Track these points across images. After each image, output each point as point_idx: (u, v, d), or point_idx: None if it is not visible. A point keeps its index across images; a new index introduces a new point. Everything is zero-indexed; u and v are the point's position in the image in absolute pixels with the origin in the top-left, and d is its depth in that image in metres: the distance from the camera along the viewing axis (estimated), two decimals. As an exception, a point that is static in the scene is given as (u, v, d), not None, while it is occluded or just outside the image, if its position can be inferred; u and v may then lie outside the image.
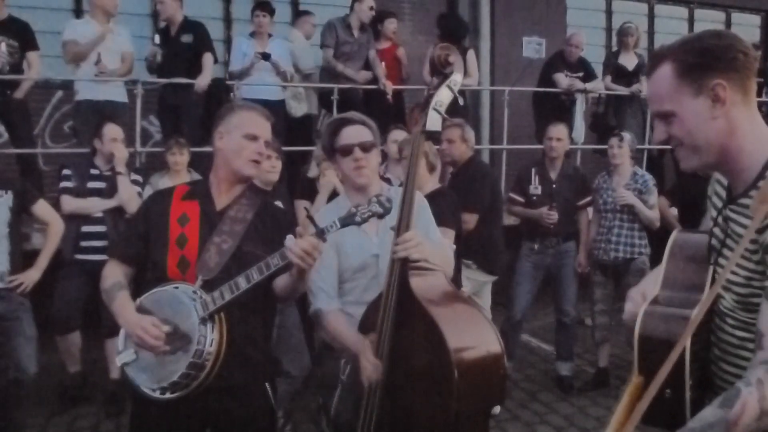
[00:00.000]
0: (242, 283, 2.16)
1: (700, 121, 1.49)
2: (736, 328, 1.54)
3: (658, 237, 4.79)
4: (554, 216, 4.82)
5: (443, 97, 2.16)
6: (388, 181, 3.80)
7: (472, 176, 4.54)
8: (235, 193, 2.42)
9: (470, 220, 4.41)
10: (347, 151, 2.48)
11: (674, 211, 5.09)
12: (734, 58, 1.46)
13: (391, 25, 6.51)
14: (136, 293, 2.35)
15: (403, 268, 2.08)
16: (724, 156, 1.52)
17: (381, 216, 2.11)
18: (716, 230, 1.61)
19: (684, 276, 1.64)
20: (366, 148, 2.48)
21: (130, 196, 4.41)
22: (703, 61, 1.47)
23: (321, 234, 2.07)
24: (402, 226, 2.13)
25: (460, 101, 2.30)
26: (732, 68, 1.46)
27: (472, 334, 2.00)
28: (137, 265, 2.43)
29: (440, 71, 2.17)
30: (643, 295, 1.71)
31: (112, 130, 4.48)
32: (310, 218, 2.09)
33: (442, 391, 1.91)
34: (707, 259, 1.63)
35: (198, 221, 2.35)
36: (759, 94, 7.70)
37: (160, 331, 2.16)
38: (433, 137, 2.18)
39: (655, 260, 4.73)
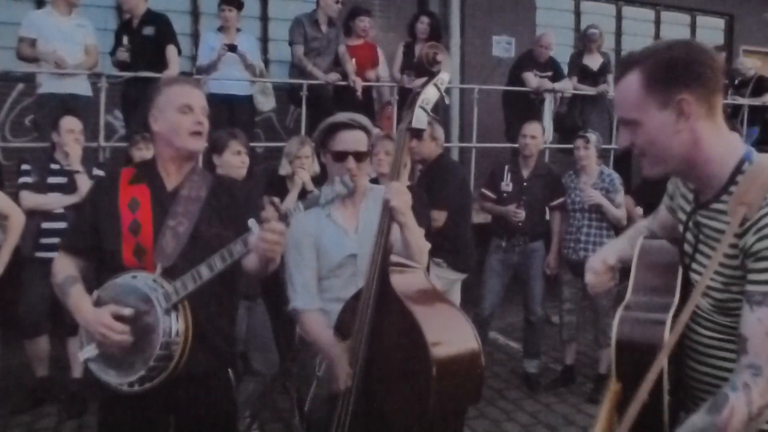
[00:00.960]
0: (205, 272, 2.10)
1: (664, 133, 1.50)
2: (711, 331, 1.56)
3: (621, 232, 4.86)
4: (521, 214, 4.85)
5: (430, 95, 2.15)
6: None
7: (441, 174, 4.54)
8: (184, 172, 2.34)
9: (439, 217, 4.40)
10: (341, 157, 2.45)
11: (640, 211, 5.15)
12: (702, 73, 1.47)
13: (361, 23, 6.47)
14: (97, 286, 2.26)
15: (383, 264, 2.07)
16: (689, 166, 1.54)
17: (344, 197, 2.09)
18: (688, 235, 1.63)
19: (654, 281, 1.66)
20: (360, 157, 2.47)
21: (90, 192, 4.30)
22: (671, 74, 1.47)
23: (284, 218, 2.04)
24: (382, 237, 2.11)
25: (447, 100, 2.30)
26: (699, 83, 1.47)
27: (451, 332, 2.00)
28: (89, 257, 2.34)
29: (428, 69, 2.15)
30: (603, 262, 1.72)
31: (68, 123, 4.36)
32: (272, 203, 2.06)
33: (420, 388, 1.90)
34: (676, 264, 1.65)
35: (149, 205, 2.27)
36: (725, 97, 7.85)
37: (121, 326, 2.09)
38: (417, 135, 2.17)
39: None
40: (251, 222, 2.03)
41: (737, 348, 1.43)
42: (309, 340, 2.43)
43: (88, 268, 2.36)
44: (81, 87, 5.44)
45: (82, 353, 2.21)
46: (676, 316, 1.54)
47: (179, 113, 2.24)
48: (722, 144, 1.52)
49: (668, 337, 1.46)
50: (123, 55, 5.61)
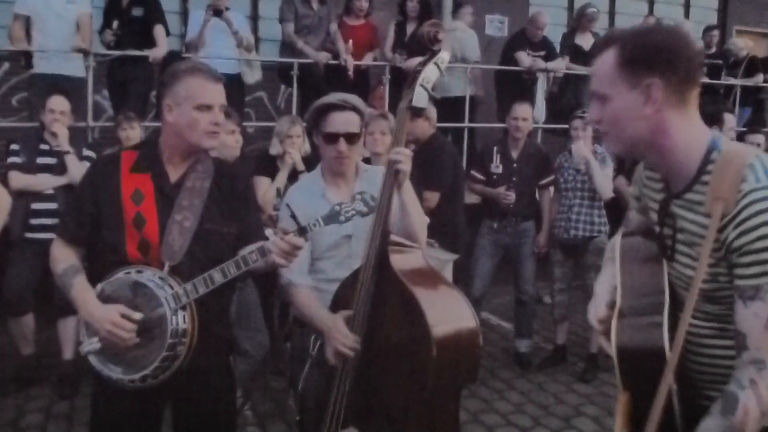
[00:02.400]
0: (218, 277, 2.08)
1: (628, 114, 1.50)
2: (704, 321, 1.55)
3: (616, 215, 4.87)
4: (511, 196, 4.84)
5: (430, 74, 2.13)
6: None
7: (434, 154, 4.52)
8: (188, 163, 2.27)
9: (432, 198, 4.39)
10: (332, 139, 2.43)
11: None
12: (676, 61, 1.45)
13: (358, 1, 6.37)
14: (90, 275, 2.21)
15: (382, 243, 2.06)
16: (652, 152, 1.53)
17: (364, 215, 2.07)
18: (665, 228, 1.62)
19: (641, 280, 1.65)
20: (351, 139, 2.45)
21: (80, 174, 4.25)
22: (645, 57, 1.46)
23: (303, 232, 2.03)
24: (383, 203, 2.11)
25: (446, 79, 2.30)
26: (672, 71, 1.45)
27: (450, 312, 2.00)
28: (87, 246, 2.28)
29: (428, 48, 2.13)
30: (595, 317, 1.71)
31: (55, 103, 4.31)
32: (293, 216, 2.04)
33: (419, 368, 1.91)
34: (659, 258, 1.64)
35: (153, 198, 2.20)
36: (717, 77, 7.84)
37: (131, 324, 2.06)
38: (418, 113, 2.15)
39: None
40: (269, 232, 2.03)
41: (736, 344, 1.43)
42: (301, 314, 2.42)
43: (84, 254, 2.30)
44: (75, 68, 5.36)
45: (83, 347, 2.16)
46: (670, 312, 1.54)
47: (198, 111, 2.16)
48: (689, 132, 1.51)
49: (671, 352, 1.45)
50: (109, 38, 5.54)
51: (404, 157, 2.12)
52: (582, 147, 4.79)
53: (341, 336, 2.10)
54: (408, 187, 2.21)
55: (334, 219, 2.05)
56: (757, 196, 1.38)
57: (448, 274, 4.69)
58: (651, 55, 1.45)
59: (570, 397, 4.51)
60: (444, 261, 4.62)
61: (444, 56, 2.13)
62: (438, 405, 1.96)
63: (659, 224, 1.63)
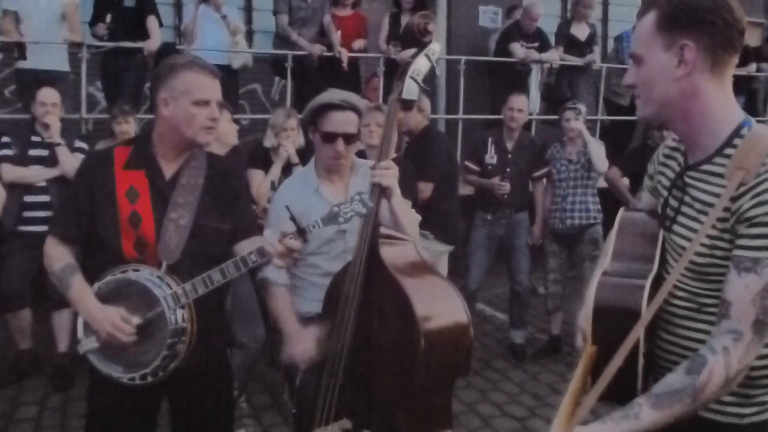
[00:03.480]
0: (217, 278, 2.08)
1: (661, 76, 1.48)
2: (684, 300, 1.55)
3: (610, 205, 4.89)
4: (506, 187, 4.85)
5: (421, 66, 2.11)
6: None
7: (428, 145, 4.51)
8: (182, 159, 2.25)
9: (426, 189, 4.39)
10: (330, 138, 2.43)
11: (626, 181, 5.17)
12: (712, 22, 1.43)
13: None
14: (86, 273, 2.19)
15: (373, 236, 2.06)
16: (682, 117, 1.51)
17: (364, 216, 2.07)
18: (671, 198, 1.61)
19: (633, 248, 1.66)
20: (349, 139, 2.45)
21: (72, 165, 4.23)
22: (681, 16, 1.45)
23: (302, 234, 2.03)
24: (375, 197, 2.10)
25: (437, 71, 2.29)
26: (706, 33, 1.44)
27: (440, 305, 2.00)
28: (82, 244, 2.26)
29: (419, 39, 2.12)
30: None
31: (45, 95, 4.29)
32: (293, 218, 2.04)
33: (408, 361, 1.90)
34: (656, 234, 1.64)
35: (149, 196, 2.19)
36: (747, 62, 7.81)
37: (131, 327, 2.06)
38: (408, 106, 2.14)
39: (606, 229, 4.82)
40: (268, 232, 2.04)
41: (718, 312, 1.43)
42: (270, 312, 2.44)
43: (79, 253, 2.28)
44: (59, 62, 5.33)
45: (82, 346, 2.17)
46: (654, 283, 1.54)
47: (195, 106, 2.14)
48: (722, 103, 1.49)
49: (647, 306, 1.46)
50: (102, 31, 5.52)
51: (385, 174, 2.10)
52: (577, 122, 4.84)
53: (291, 347, 2.21)
54: (396, 195, 2.20)
55: (333, 220, 2.04)
56: None
57: (443, 265, 4.70)
58: (688, 16, 1.44)
59: (564, 387, 4.52)
60: (439, 253, 4.63)
61: (435, 47, 2.12)
62: (430, 397, 1.96)
63: (667, 193, 1.63)
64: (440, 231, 4.54)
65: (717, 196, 1.46)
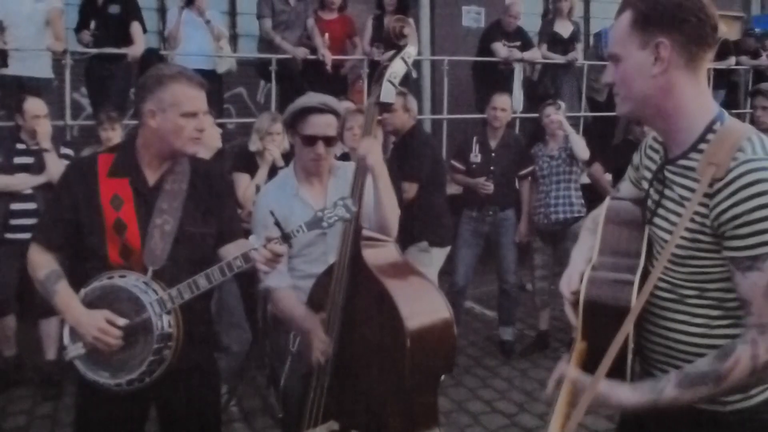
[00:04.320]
0: (203, 283, 2.09)
1: (638, 74, 1.52)
2: (664, 291, 1.58)
3: (592, 200, 4.94)
4: (489, 186, 4.89)
5: (397, 69, 2.15)
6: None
7: (414, 146, 4.54)
8: (166, 166, 2.27)
9: (411, 189, 4.41)
10: (310, 141, 2.46)
11: (609, 177, 5.22)
12: (685, 20, 1.46)
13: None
14: (71, 280, 2.20)
15: (355, 238, 2.08)
16: (658, 113, 1.55)
17: (347, 221, 2.09)
18: (652, 191, 1.65)
19: (620, 241, 1.67)
20: (329, 142, 2.48)
21: (60, 172, 4.23)
22: (655, 15, 1.48)
23: (287, 239, 2.04)
24: (356, 197, 2.14)
25: (413, 74, 2.32)
26: (680, 31, 1.47)
27: (423, 304, 2.03)
28: (69, 252, 2.26)
29: (394, 43, 2.15)
30: (568, 288, 1.70)
31: (34, 106, 4.27)
32: (277, 224, 2.06)
33: (395, 360, 1.93)
34: (642, 224, 1.66)
35: (133, 203, 2.20)
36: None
37: (118, 331, 2.07)
38: (386, 108, 2.17)
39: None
40: (252, 238, 2.05)
41: (742, 308, 1.46)
42: (283, 317, 2.44)
43: (64, 260, 2.29)
44: (42, 69, 5.30)
45: (68, 352, 2.17)
46: (642, 277, 1.56)
47: (183, 118, 2.15)
48: (697, 99, 1.53)
49: (636, 301, 1.49)
50: (87, 38, 5.51)
51: (371, 150, 2.14)
52: (558, 114, 4.91)
53: (319, 340, 2.14)
54: (384, 177, 2.23)
55: (317, 225, 2.06)
56: (754, 166, 1.40)
57: (437, 266, 4.72)
58: (662, 14, 1.47)
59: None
60: (439, 257, 4.67)
61: (411, 51, 2.15)
62: (416, 395, 1.99)
63: (648, 186, 1.66)
64: (432, 233, 4.57)
65: (693, 191, 1.49)
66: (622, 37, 1.53)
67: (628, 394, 1.47)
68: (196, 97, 2.19)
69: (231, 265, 2.08)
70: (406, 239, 4.34)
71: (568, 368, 1.52)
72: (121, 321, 2.08)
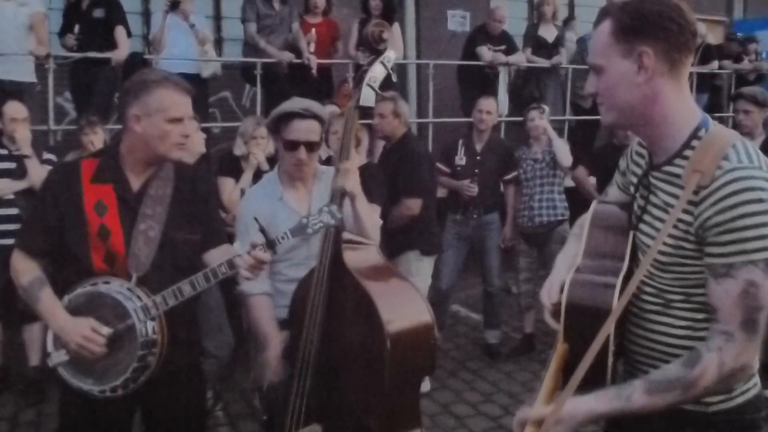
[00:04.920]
0: (187, 290, 2.09)
1: (622, 83, 1.52)
2: (649, 295, 1.59)
3: (576, 203, 4.97)
4: (474, 189, 4.90)
5: (377, 73, 2.17)
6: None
7: (410, 157, 4.45)
8: (150, 171, 2.26)
9: (414, 205, 4.32)
10: (293, 146, 2.46)
11: (593, 180, 5.26)
12: (666, 28, 1.47)
13: (315, -1, 6.38)
14: (55, 286, 2.20)
15: (336, 241, 2.09)
16: (644, 121, 1.56)
17: (332, 227, 2.10)
18: (638, 196, 1.66)
19: (605, 245, 1.67)
20: (312, 147, 2.49)
21: (41, 178, 4.19)
22: (636, 24, 1.48)
23: (271, 246, 2.04)
24: (336, 200, 2.14)
25: (394, 78, 2.34)
26: (662, 38, 1.48)
27: (403, 306, 2.04)
28: (53, 259, 2.26)
29: (374, 47, 2.17)
30: (548, 293, 1.71)
31: (12, 109, 4.24)
32: (262, 230, 2.06)
33: (375, 362, 1.94)
34: (627, 228, 1.68)
35: (117, 209, 2.19)
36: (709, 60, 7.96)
37: (102, 338, 2.06)
38: (366, 113, 2.19)
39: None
40: (237, 244, 2.06)
41: (710, 315, 1.47)
42: (251, 325, 2.46)
43: (47, 266, 2.28)
44: (24, 73, 5.27)
45: (52, 359, 2.16)
46: (625, 280, 1.57)
47: (169, 123, 2.15)
48: (681, 106, 1.54)
49: (617, 303, 1.50)
50: (71, 42, 5.48)
51: (348, 178, 2.16)
52: (541, 120, 4.94)
53: (273, 361, 2.20)
54: (360, 200, 2.24)
55: (302, 231, 2.06)
56: (739, 175, 1.40)
57: (429, 274, 4.72)
58: (643, 23, 1.48)
59: (538, 385, 4.57)
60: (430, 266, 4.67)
61: (390, 55, 2.18)
62: (398, 397, 2.00)
63: (634, 192, 1.67)
64: (424, 242, 4.54)
65: (678, 197, 1.50)
66: (604, 48, 1.53)
67: (595, 405, 1.46)
68: (182, 103, 2.18)
69: (216, 271, 2.07)
70: (397, 248, 4.36)
71: (527, 411, 1.52)
72: (106, 330, 2.07)
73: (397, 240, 4.27)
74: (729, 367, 1.41)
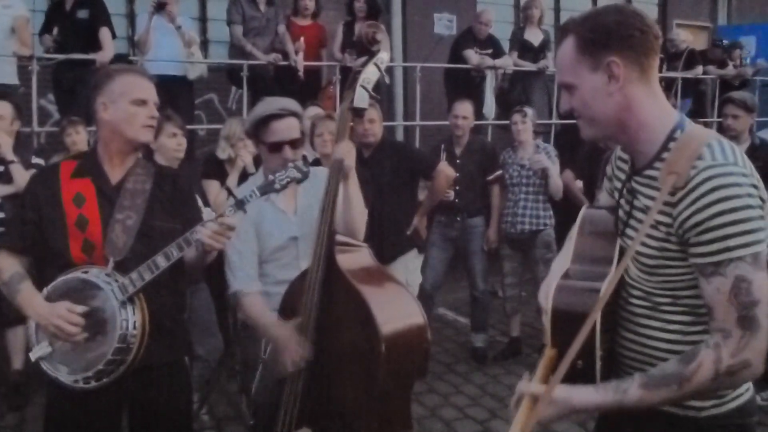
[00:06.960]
0: (161, 261, 2.09)
1: (596, 96, 1.53)
2: (640, 299, 1.60)
3: (561, 209, 4.99)
4: (449, 194, 4.88)
5: (370, 74, 2.18)
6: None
7: (402, 147, 4.57)
8: (128, 165, 2.31)
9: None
10: (277, 148, 2.46)
11: (580, 184, 5.27)
12: (630, 35, 1.49)
13: (302, 1, 6.36)
14: (38, 284, 2.21)
15: (329, 243, 2.09)
16: (622, 129, 1.56)
17: (299, 181, 2.11)
18: (622, 202, 1.67)
19: (593, 250, 1.69)
20: (295, 144, 2.48)
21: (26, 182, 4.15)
22: (600, 37, 1.50)
23: (241, 205, 2.06)
24: (328, 203, 2.14)
25: (386, 79, 2.34)
26: (627, 46, 1.49)
27: (398, 309, 2.04)
28: (34, 255, 2.28)
29: (367, 49, 2.16)
30: (545, 296, 1.70)
31: None
32: (228, 190, 2.06)
33: (369, 366, 1.93)
34: (615, 233, 1.68)
35: (95, 200, 2.23)
36: (659, 70, 8.04)
37: (78, 317, 2.07)
38: (359, 114, 2.20)
39: (558, 231, 4.91)
40: (206, 211, 2.04)
41: (707, 314, 1.47)
42: (251, 324, 2.43)
43: (31, 264, 2.30)
44: (7, 75, 5.21)
45: (34, 352, 2.16)
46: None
47: (134, 105, 2.20)
48: (656, 110, 1.55)
49: (595, 305, 1.49)
50: (48, 43, 5.44)
51: (348, 153, 2.17)
52: (541, 157, 4.88)
53: (294, 347, 2.12)
54: (354, 179, 2.25)
55: (270, 188, 2.08)
56: (713, 173, 1.41)
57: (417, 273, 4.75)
58: (606, 33, 1.49)
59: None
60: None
61: (383, 56, 2.18)
62: (390, 401, 1.99)
63: (618, 198, 1.68)
64: (419, 238, 4.62)
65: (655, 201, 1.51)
66: (571, 65, 1.55)
67: (591, 394, 1.47)
68: (145, 86, 2.26)
69: (188, 239, 2.10)
70: (400, 248, 4.45)
71: (527, 384, 1.51)
72: (80, 308, 2.09)
73: (400, 239, 4.43)
74: (726, 363, 1.41)
